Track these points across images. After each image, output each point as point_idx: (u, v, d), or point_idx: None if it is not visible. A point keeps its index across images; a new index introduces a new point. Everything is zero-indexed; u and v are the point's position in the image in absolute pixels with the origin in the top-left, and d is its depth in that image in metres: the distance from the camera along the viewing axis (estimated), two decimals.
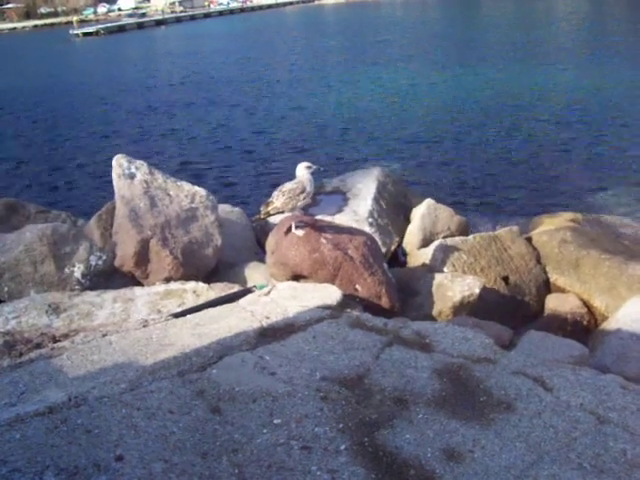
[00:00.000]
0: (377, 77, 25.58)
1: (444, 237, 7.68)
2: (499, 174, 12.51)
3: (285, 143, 16.31)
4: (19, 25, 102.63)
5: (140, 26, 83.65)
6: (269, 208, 5.56)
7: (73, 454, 2.87)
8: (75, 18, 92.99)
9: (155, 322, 4.60)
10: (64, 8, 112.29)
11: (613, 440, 3.03)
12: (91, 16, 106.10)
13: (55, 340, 4.65)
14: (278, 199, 5.50)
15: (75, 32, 74.64)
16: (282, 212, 5.62)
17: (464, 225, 8.38)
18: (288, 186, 5.55)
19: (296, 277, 5.57)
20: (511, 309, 6.82)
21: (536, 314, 6.91)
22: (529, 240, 7.76)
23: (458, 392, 3.50)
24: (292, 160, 12.62)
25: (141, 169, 6.87)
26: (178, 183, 6.99)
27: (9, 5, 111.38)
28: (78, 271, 6.09)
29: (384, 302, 5.57)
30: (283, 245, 5.58)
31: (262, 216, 5.72)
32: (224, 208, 8.01)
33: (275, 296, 4.99)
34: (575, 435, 3.07)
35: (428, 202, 8.28)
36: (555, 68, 23.93)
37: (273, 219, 6.32)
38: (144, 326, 4.52)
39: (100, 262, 6.26)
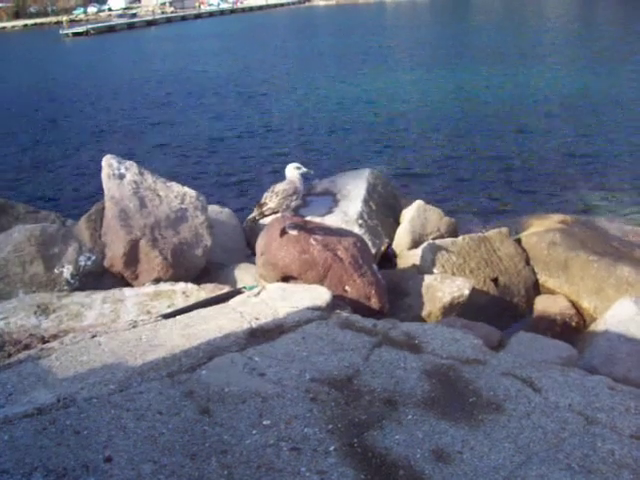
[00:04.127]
0: (366, 79, 25.62)
1: (434, 238, 7.70)
2: (488, 176, 12.55)
3: (274, 144, 16.29)
4: (8, 25, 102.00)
5: (130, 26, 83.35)
6: (263, 209, 5.56)
7: (62, 455, 2.86)
8: (65, 18, 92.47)
9: (144, 323, 4.58)
10: (54, 8, 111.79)
11: (601, 441, 3.05)
12: (81, 16, 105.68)
13: (44, 341, 4.63)
14: (272, 200, 5.50)
15: (65, 32, 74.49)
16: (276, 212, 5.62)
17: (453, 226, 8.40)
18: (280, 187, 5.54)
19: (285, 278, 5.57)
20: (500, 310, 6.86)
21: (525, 315, 6.95)
22: (518, 241, 7.80)
23: (447, 393, 3.51)
24: (281, 162, 12.64)
25: (131, 169, 6.84)
26: (168, 184, 6.97)
27: None
28: (67, 272, 6.06)
29: (373, 303, 5.58)
30: (273, 246, 5.58)
31: (257, 217, 5.70)
32: (214, 209, 8.00)
33: (265, 297, 4.98)
34: (563, 436, 3.09)
35: (418, 203, 8.30)
36: (542, 70, 24.05)
37: (263, 220, 6.32)
38: (133, 327, 4.50)
39: (89, 263, 6.23)
